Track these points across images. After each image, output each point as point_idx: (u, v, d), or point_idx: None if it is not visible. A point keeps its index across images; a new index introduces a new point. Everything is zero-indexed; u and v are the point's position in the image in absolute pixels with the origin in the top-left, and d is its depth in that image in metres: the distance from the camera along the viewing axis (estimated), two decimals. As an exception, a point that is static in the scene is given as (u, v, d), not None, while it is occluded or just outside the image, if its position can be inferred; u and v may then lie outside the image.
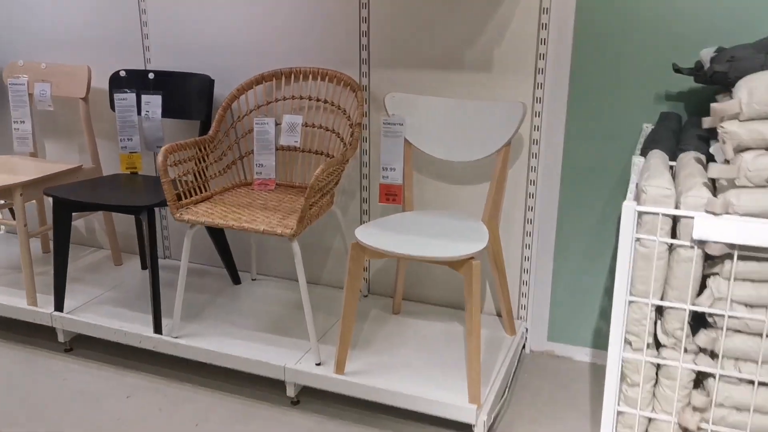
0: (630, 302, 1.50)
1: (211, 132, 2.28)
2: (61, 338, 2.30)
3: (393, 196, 2.15)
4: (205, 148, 2.25)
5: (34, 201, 2.68)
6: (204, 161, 2.25)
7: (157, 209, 2.72)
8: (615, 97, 2.03)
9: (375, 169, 2.36)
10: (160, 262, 2.77)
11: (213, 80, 2.40)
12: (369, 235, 1.91)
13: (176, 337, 2.16)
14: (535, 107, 2.11)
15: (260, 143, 2.34)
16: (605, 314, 2.23)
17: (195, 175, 2.21)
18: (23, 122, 2.62)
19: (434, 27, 2.15)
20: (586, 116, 2.08)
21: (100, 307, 2.37)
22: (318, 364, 2.03)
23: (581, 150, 2.11)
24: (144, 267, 2.69)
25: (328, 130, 2.33)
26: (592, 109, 2.07)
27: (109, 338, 2.21)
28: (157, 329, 2.16)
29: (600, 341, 2.26)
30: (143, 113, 2.44)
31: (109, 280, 2.58)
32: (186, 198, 2.13)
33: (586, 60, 2.03)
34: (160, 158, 2.03)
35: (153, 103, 2.43)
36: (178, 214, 2.05)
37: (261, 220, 2.01)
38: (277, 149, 2.37)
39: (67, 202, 2.18)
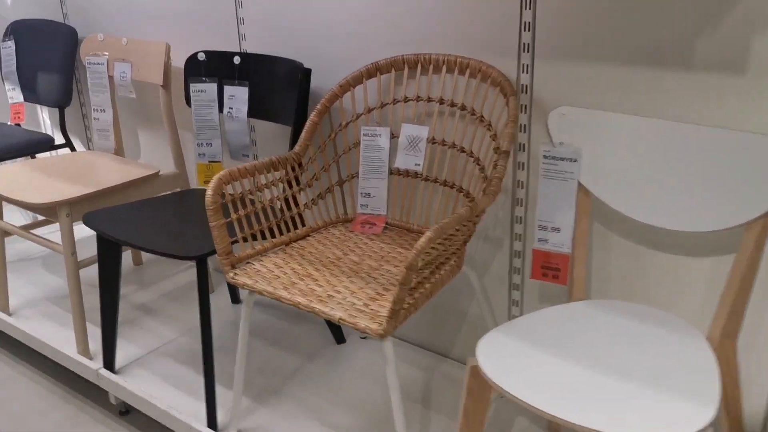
0: None
1: (297, 148, 1.60)
2: (112, 400, 1.81)
3: (554, 272, 1.34)
4: (291, 170, 1.59)
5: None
6: (293, 186, 1.59)
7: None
8: None
9: (536, 208, 1.55)
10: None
11: (308, 70, 1.70)
12: (499, 355, 1.13)
13: (234, 433, 1.57)
14: (830, 141, 1.17)
15: (368, 163, 1.63)
16: None
17: (284, 203, 1.56)
18: (104, 111, 2.13)
19: (647, -8, 1.27)
20: None
21: (164, 361, 1.84)
22: None
23: None
24: (234, 301, 2.13)
25: (463, 152, 1.55)
26: None
27: (155, 417, 1.67)
28: (211, 422, 1.58)
29: None
30: (226, 111, 1.82)
31: (190, 317, 2.05)
32: (258, 241, 1.49)
33: None
34: (209, 192, 1.40)
35: (238, 97, 1.81)
36: (231, 274, 1.42)
37: (341, 297, 1.31)
38: (391, 173, 1.64)
39: (106, 237, 1.64)
